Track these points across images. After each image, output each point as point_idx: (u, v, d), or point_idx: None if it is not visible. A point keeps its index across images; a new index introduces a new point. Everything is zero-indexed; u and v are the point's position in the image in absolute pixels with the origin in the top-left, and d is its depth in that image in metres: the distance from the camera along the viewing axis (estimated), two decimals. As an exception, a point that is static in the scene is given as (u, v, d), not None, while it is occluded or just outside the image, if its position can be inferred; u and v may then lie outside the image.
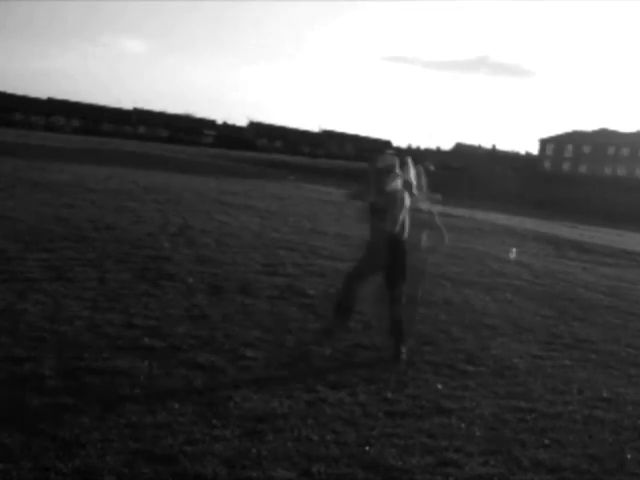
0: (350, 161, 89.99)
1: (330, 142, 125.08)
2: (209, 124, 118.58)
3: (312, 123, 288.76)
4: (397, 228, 6.21)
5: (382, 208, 6.21)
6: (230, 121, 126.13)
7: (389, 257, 6.27)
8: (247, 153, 77.91)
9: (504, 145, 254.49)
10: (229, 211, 16.72)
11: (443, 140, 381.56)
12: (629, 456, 4.75)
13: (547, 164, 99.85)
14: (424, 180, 6.80)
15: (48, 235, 10.30)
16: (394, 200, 6.18)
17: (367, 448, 4.39)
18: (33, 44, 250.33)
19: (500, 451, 4.58)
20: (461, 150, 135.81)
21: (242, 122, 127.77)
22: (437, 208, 7.08)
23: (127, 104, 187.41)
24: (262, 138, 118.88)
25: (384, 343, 6.51)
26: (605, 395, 5.99)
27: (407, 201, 6.29)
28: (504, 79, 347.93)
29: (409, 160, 6.57)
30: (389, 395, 5.36)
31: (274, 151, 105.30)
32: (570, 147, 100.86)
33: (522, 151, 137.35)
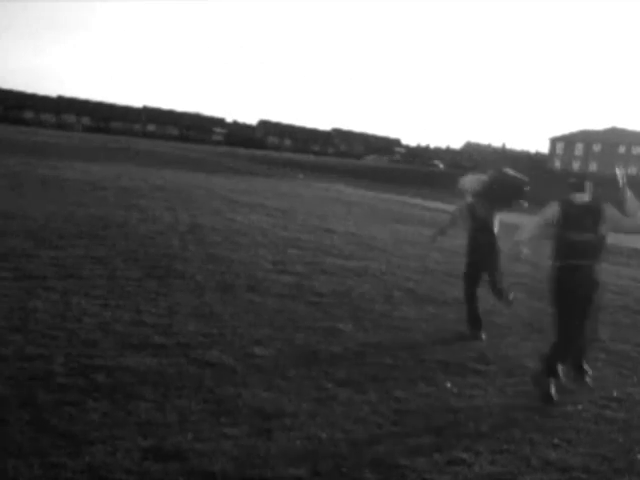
0: (359, 159, 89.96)
1: (339, 140, 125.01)
2: (219, 122, 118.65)
3: (322, 121, 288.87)
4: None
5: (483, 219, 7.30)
6: (240, 119, 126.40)
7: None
8: (257, 151, 77.96)
9: (514, 144, 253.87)
10: (238, 209, 16.73)
11: (453, 139, 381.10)
12: (639, 456, 4.72)
13: (557, 163, 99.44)
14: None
15: (58, 233, 10.34)
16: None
17: (376, 447, 4.38)
18: (41, 40, 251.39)
19: (509, 450, 4.57)
20: (471, 149, 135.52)
21: (252, 120, 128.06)
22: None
23: (137, 102, 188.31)
24: (272, 136, 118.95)
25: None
26: (615, 394, 5.95)
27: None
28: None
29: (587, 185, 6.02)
30: (399, 394, 5.36)
31: (284, 149, 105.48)
32: (580, 146, 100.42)
33: (532, 150, 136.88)
